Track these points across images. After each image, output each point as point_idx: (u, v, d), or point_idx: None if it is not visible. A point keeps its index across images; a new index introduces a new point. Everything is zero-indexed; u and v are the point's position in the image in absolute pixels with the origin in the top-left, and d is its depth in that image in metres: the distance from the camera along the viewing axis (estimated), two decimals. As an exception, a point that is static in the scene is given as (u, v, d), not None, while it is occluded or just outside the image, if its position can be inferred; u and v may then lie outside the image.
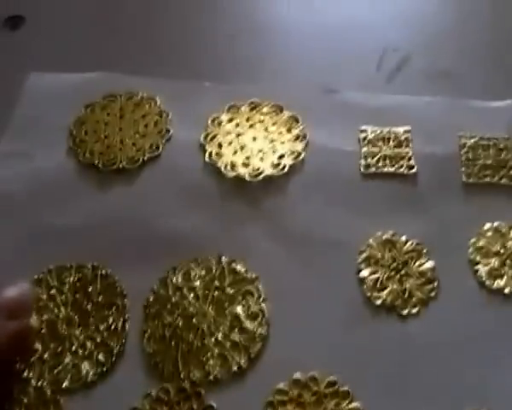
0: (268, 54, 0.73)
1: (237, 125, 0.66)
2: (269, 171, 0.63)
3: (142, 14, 0.77)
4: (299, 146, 0.65)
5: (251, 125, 0.66)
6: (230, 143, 0.65)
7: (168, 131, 0.66)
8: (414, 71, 0.72)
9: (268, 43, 0.74)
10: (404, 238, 0.59)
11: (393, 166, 0.64)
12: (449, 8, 0.77)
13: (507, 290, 0.56)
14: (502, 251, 0.58)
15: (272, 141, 0.65)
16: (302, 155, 0.64)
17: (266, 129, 0.66)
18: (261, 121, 0.67)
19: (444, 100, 0.69)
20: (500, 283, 0.57)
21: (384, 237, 0.59)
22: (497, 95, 0.69)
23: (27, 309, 0.51)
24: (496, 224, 0.60)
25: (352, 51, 0.74)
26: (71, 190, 0.63)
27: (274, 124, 0.66)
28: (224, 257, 0.58)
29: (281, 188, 0.63)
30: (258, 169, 0.63)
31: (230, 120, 0.67)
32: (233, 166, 0.63)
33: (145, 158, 0.65)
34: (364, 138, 0.65)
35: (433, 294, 0.56)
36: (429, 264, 0.58)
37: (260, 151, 0.65)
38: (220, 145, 0.65)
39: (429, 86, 0.70)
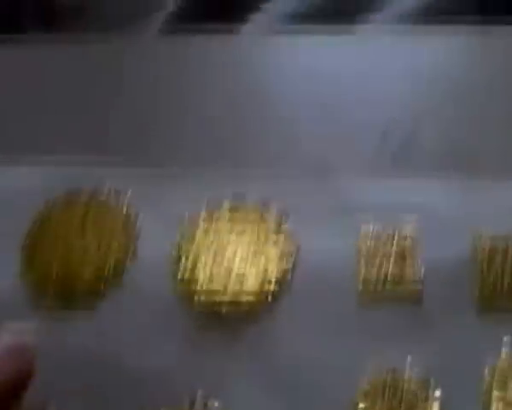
0: (252, 136, 0.62)
1: (216, 231, 0.56)
2: (250, 296, 0.54)
3: (107, 93, 0.66)
4: (287, 258, 0.54)
5: (231, 231, 0.56)
6: (206, 259, 0.55)
7: (136, 239, 0.57)
8: (421, 148, 0.61)
9: (251, 124, 0.63)
10: (407, 374, 0.50)
11: (397, 282, 0.54)
12: (461, 74, 0.64)
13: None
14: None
15: (256, 253, 0.55)
16: (290, 272, 0.55)
17: (250, 235, 0.55)
18: (244, 222, 0.56)
19: (457, 185, 0.58)
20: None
21: (385, 374, 0.51)
22: None
23: (26, 351, 0.45)
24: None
25: (350, 127, 0.63)
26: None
27: (259, 227, 0.56)
28: (197, 399, 0.51)
29: (264, 316, 0.54)
30: (237, 294, 0.54)
31: (208, 224, 0.56)
32: (209, 290, 0.54)
33: (108, 281, 0.56)
34: (364, 243, 0.54)
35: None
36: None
37: (241, 268, 0.55)
38: (195, 261, 0.56)
39: (439, 166, 0.59)
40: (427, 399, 0.50)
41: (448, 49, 0.69)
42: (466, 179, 0.59)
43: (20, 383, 0.46)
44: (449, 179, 0.59)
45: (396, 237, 0.56)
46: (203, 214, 0.59)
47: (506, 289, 0.53)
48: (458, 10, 0.70)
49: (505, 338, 0.51)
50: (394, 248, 0.55)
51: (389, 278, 0.55)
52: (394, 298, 0.54)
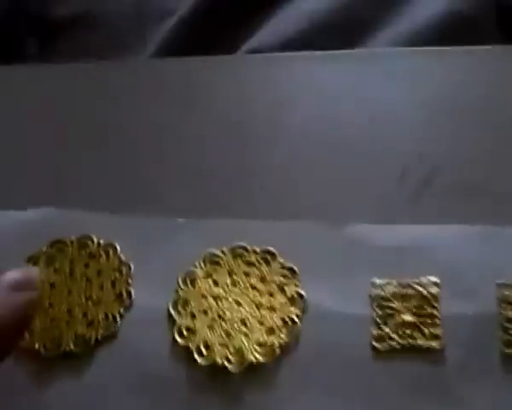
0: (251, 183, 0.57)
1: (216, 282, 0.51)
2: (254, 355, 0.49)
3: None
4: (294, 313, 0.49)
5: (233, 283, 0.51)
6: (206, 313, 0.50)
7: (129, 294, 0.51)
8: (442, 188, 0.57)
9: (251, 170, 0.58)
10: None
11: (414, 337, 0.48)
12: (484, 103, 0.61)
13: None
14: None
15: (260, 306, 0.50)
16: (297, 328, 0.49)
17: (253, 286, 0.50)
18: (247, 275, 0.52)
19: (479, 230, 0.54)
20: None
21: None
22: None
23: (33, 283, 0.47)
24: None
25: (366, 169, 0.59)
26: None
27: (263, 279, 0.51)
28: None
29: (269, 377, 0.49)
30: (240, 353, 0.49)
31: (208, 276, 0.52)
32: (208, 348, 0.50)
33: (98, 336, 0.51)
34: (378, 298, 0.49)
35: None
36: None
37: (244, 324, 0.50)
38: (193, 315, 0.51)
39: (459, 209, 0.55)
40: None
41: (468, 72, 0.64)
42: (488, 224, 0.54)
43: (26, 319, 0.46)
44: (470, 224, 0.54)
45: (415, 291, 0.50)
46: (202, 260, 0.54)
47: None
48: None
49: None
50: (412, 303, 0.49)
51: (406, 336, 0.48)
52: (412, 358, 0.49)
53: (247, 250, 0.54)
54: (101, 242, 0.55)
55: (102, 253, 0.55)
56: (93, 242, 0.55)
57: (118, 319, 0.52)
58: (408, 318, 0.50)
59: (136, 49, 0.81)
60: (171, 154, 0.62)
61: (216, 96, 0.66)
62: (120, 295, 0.53)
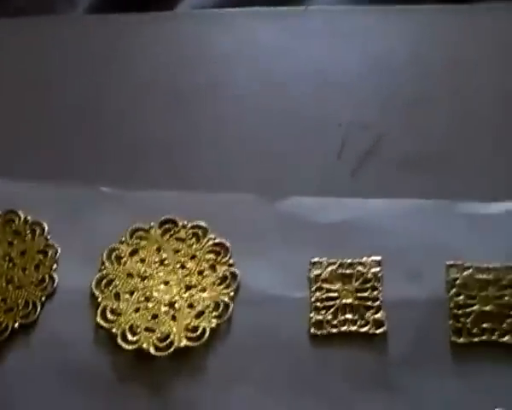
0: (186, 152, 0.54)
1: (143, 260, 0.47)
2: (182, 340, 0.45)
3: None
4: (226, 295, 0.46)
5: (162, 261, 0.47)
6: (132, 293, 0.46)
7: (52, 280, 0.49)
8: (386, 158, 0.54)
9: (185, 136, 0.55)
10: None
11: (355, 322, 0.45)
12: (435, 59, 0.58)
13: None
14: None
15: (189, 287, 0.46)
16: (229, 311, 0.46)
17: (182, 265, 0.47)
18: (176, 252, 0.48)
19: (425, 205, 0.51)
20: None
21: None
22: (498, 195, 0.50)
23: None
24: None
25: (307, 137, 0.55)
26: None
27: (193, 257, 0.47)
28: None
29: (198, 363, 0.46)
30: (167, 337, 0.46)
31: (134, 253, 0.47)
32: (134, 332, 0.46)
33: (16, 324, 0.47)
34: (317, 277, 0.45)
35: None
36: None
37: (172, 306, 0.47)
38: (118, 296, 0.47)
39: (407, 181, 0.52)
40: None
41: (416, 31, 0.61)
42: (435, 198, 0.51)
43: None
44: (415, 199, 0.51)
45: (355, 272, 0.47)
46: (128, 235, 0.50)
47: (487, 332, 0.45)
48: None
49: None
50: (354, 285, 0.46)
51: (346, 321, 0.46)
52: (353, 345, 0.46)
53: (176, 225, 0.50)
54: (29, 219, 0.51)
55: (29, 231, 0.50)
56: (20, 218, 0.50)
57: (38, 306, 0.48)
58: (349, 301, 0.46)
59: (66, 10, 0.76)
60: (102, 119, 0.58)
61: (148, 56, 0.61)
62: (43, 280, 0.48)
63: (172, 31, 0.63)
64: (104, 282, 0.48)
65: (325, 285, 0.47)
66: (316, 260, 0.48)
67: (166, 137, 0.56)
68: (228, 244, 0.49)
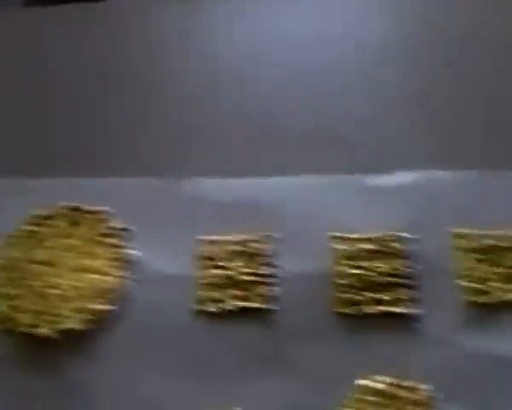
0: (87, 139, 0.55)
1: (44, 246, 0.49)
2: (78, 322, 0.47)
3: None
4: (120, 276, 0.49)
5: (63, 246, 0.51)
6: (30, 278, 0.50)
7: None
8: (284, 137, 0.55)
9: (88, 125, 0.56)
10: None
11: (244, 298, 0.47)
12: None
13: None
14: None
15: (84, 269, 0.49)
16: (123, 291, 0.49)
17: (83, 250, 0.50)
18: (78, 237, 0.51)
19: (317, 180, 0.52)
20: None
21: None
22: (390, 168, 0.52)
23: None
24: (379, 378, 0.45)
25: (205, 121, 0.56)
26: None
27: (94, 242, 0.50)
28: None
29: (93, 345, 0.47)
30: (63, 319, 0.47)
31: (35, 238, 0.49)
32: (29, 315, 0.48)
33: None
34: (211, 255, 0.47)
35: None
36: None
37: (63, 289, 0.49)
38: (14, 281, 0.49)
39: (298, 158, 0.54)
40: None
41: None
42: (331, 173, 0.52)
43: None
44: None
45: (245, 249, 0.48)
46: (25, 227, 0.51)
47: (370, 301, 0.47)
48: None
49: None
50: (243, 261, 0.48)
51: (235, 297, 0.47)
52: (242, 321, 0.47)
53: (79, 210, 0.51)
54: None
55: None
56: None
57: None
58: (240, 277, 0.47)
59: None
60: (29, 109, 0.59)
61: (84, 45, 0.63)
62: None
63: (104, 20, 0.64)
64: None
65: (218, 263, 0.48)
66: (211, 238, 0.49)
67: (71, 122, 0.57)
68: (130, 228, 0.50)
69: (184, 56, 0.60)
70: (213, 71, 0.59)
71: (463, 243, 0.48)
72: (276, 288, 0.48)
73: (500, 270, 0.47)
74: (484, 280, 0.47)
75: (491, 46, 0.57)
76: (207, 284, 0.48)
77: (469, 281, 0.47)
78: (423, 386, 0.44)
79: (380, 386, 0.44)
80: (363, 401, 0.44)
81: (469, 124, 0.53)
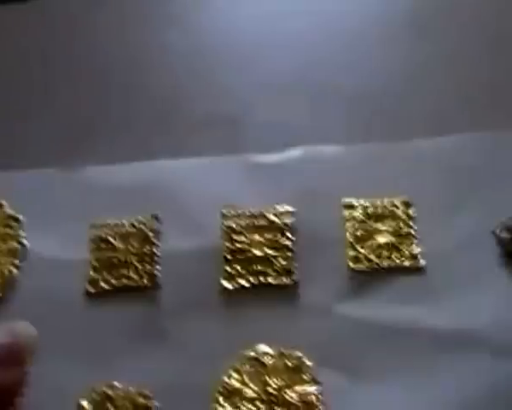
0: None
1: None
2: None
3: None
4: (12, 264, 0.49)
5: None
6: None
7: None
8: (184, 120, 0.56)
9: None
10: (133, 389, 0.45)
11: (129, 277, 0.47)
12: None
13: None
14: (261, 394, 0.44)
15: None
16: (14, 278, 0.49)
17: None
18: None
19: (209, 161, 0.53)
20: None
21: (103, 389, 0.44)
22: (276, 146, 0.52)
23: (20, 356, 0.40)
24: (260, 350, 0.45)
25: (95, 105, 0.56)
26: None
27: None
28: None
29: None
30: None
31: None
32: None
33: None
34: (98, 237, 0.48)
35: None
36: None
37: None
38: None
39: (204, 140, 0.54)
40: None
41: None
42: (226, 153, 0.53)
43: (14, 390, 0.40)
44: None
45: (135, 230, 0.49)
46: None
47: (254, 274, 0.47)
48: None
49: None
50: (132, 242, 0.49)
51: (121, 276, 0.48)
52: (127, 300, 0.48)
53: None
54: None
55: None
56: None
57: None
58: (126, 258, 0.48)
59: None
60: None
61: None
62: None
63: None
64: None
65: (105, 245, 0.49)
66: (104, 221, 0.50)
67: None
68: (20, 217, 0.50)
69: (74, 42, 0.60)
70: (105, 57, 0.60)
71: (351, 213, 0.48)
72: (162, 266, 0.48)
73: (385, 238, 0.47)
74: (369, 249, 0.46)
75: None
76: (99, 266, 0.48)
77: (355, 250, 0.47)
78: (302, 353, 0.44)
79: (261, 356, 0.43)
80: (244, 370, 0.44)
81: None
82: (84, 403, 0.44)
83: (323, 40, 0.58)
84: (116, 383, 0.44)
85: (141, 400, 0.43)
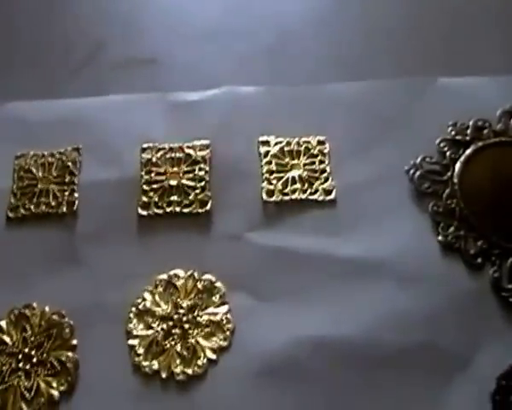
0: None
1: None
2: None
3: None
4: None
5: None
6: None
7: None
8: (108, 61, 0.57)
9: None
10: (48, 309, 0.46)
11: (48, 204, 0.48)
12: None
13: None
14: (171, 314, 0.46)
15: None
16: None
17: None
18: None
19: (134, 98, 0.55)
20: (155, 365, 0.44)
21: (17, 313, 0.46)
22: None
23: None
24: (172, 272, 0.47)
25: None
26: None
27: None
28: None
29: None
30: None
31: None
32: None
33: None
34: (21, 167, 0.49)
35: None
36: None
37: None
38: None
39: (127, 80, 0.55)
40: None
41: None
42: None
43: None
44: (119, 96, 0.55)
45: (54, 160, 0.50)
46: None
47: (169, 203, 0.49)
48: None
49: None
50: (53, 171, 0.50)
51: (40, 203, 0.49)
52: (43, 226, 0.49)
53: None
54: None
55: None
56: None
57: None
58: (45, 186, 0.49)
59: None
60: None
61: None
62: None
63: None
64: None
65: (27, 175, 0.50)
66: (29, 153, 0.52)
67: None
68: None
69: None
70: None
71: (267, 149, 0.50)
72: (81, 195, 0.50)
73: (298, 173, 0.49)
74: (283, 183, 0.50)
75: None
76: (20, 194, 0.50)
77: (269, 183, 0.49)
78: (213, 277, 0.46)
79: (173, 279, 0.46)
80: (157, 292, 0.46)
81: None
82: (2, 323, 0.45)
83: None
84: (34, 304, 0.45)
85: (55, 318, 0.44)
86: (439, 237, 0.47)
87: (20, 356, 0.44)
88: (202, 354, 0.43)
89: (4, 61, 0.57)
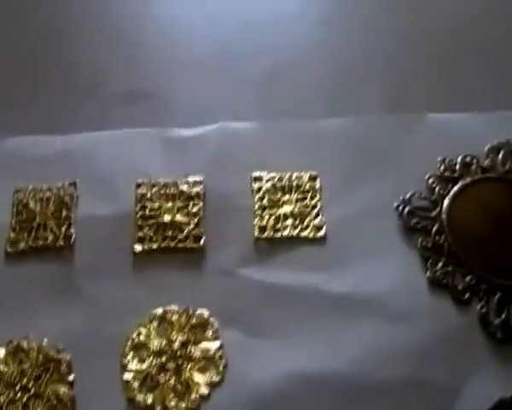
0: None
1: None
2: None
3: None
4: None
5: None
6: None
7: None
8: (108, 95, 0.58)
9: None
10: (46, 342, 0.47)
11: (46, 238, 0.50)
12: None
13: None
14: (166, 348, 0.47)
15: None
16: None
17: None
18: None
19: (128, 133, 0.56)
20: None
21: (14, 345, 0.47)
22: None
23: None
24: (167, 308, 0.48)
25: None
26: None
27: None
28: None
29: None
30: None
31: None
32: None
33: None
34: (19, 202, 0.50)
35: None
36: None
37: None
38: None
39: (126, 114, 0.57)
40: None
41: None
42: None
43: None
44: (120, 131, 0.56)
45: (51, 194, 0.52)
46: None
47: (163, 239, 0.50)
48: None
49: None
50: (51, 207, 0.51)
51: (40, 237, 0.50)
52: (41, 260, 0.50)
53: None
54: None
55: None
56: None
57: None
58: (43, 220, 0.50)
59: None
60: None
61: None
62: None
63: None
64: None
65: (25, 209, 0.52)
66: (27, 188, 0.53)
67: None
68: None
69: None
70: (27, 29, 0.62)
71: (259, 185, 0.51)
72: (77, 229, 0.51)
73: (290, 208, 0.50)
74: (274, 219, 0.50)
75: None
76: (19, 228, 0.51)
77: (261, 219, 0.51)
78: (206, 313, 0.47)
79: (168, 314, 0.47)
80: (151, 327, 0.47)
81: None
82: (1, 353, 0.45)
83: (240, 25, 0.61)
84: (31, 337, 0.46)
85: (52, 352, 0.45)
86: (428, 274, 0.48)
87: (18, 387, 0.44)
88: (195, 389, 0.44)
89: (5, 96, 0.58)
